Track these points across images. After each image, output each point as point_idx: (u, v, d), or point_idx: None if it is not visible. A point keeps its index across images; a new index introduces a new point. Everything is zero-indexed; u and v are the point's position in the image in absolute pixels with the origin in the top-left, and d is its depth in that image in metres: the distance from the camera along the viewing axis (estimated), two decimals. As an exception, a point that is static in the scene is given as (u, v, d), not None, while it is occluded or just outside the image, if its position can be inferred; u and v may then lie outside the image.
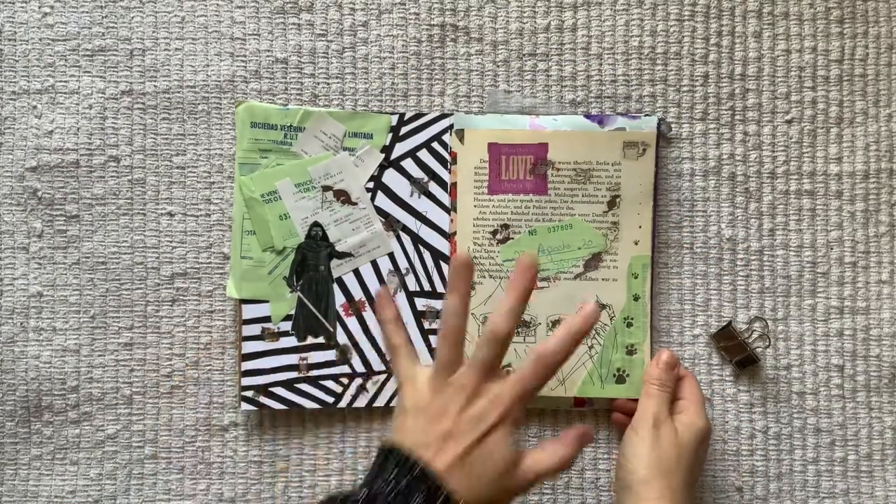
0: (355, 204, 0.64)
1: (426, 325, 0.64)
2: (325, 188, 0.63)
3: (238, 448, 0.64)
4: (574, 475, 0.64)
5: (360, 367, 0.64)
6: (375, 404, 0.64)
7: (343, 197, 0.64)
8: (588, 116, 0.63)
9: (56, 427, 0.63)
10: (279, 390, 0.63)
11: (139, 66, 0.64)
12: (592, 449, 0.64)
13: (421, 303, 0.64)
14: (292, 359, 0.63)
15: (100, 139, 0.63)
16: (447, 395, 0.46)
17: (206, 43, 0.64)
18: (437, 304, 0.64)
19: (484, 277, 0.63)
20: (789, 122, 0.65)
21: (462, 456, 0.44)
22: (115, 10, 0.64)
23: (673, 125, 0.65)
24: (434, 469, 0.44)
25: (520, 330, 0.63)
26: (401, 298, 0.64)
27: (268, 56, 0.64)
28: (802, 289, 0.65)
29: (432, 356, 0.64)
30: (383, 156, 0.64)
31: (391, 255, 0.64)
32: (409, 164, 0.64)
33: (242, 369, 0.63)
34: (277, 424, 0.64)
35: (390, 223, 0.64)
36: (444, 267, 0.64)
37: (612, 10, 0.65)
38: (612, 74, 0.65)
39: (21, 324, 0.63)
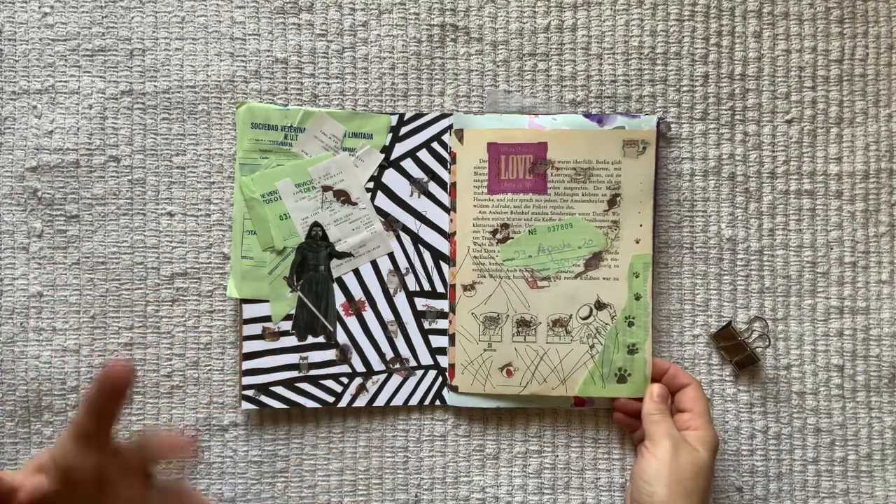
0: (355, 204, 0.64)
1: (426, 325, 0.64)
2: (325, 188, 0.63)
3: (238, 448, 0.64)
4: (574, 475, 0.64)
5: (360, 367, 0.64)
6: (375, 404, 0.64)
7: (343, 197, 0.64)
8: (587, 116, 0.63)
9: (56, 427, 0.63)
10: (279, 389, 0.63)
11: (139, 66, 0.64)
12: (593, 449, 0.64)
13: (421, 303, 0.64)
14: (292, 358, 0.63)
15: (100, 139, 0.63)
16: None
17: (206, 43, 0.64)
18: (436, 304, 0.64)
19: (484, 277, 0.63)
20: (789, 122, 0.65)
21: None
22: (115, 10, 0.64)
23: (673, 125, 0.65)
24: None
25: (520, 329, 0.63)
26: (401, 298, 0.64)
27: (268, 56, 0.64)
28: (802, 289, 0.65)
29: (432, 356, 0.64)
30: (383, 156, 0.64)
31: (391, 255, 0.64)
32: (408, 164, 0.64)
33: (243, 368, 0.63)
34: (277, 424, 0.64)
35: (390, 223, 0.64)
36: (444, 267, 0.64)
37: (612, 10, 0.65)
38: (612, 74, 0.65)
39: (21, 324, 0.63)
